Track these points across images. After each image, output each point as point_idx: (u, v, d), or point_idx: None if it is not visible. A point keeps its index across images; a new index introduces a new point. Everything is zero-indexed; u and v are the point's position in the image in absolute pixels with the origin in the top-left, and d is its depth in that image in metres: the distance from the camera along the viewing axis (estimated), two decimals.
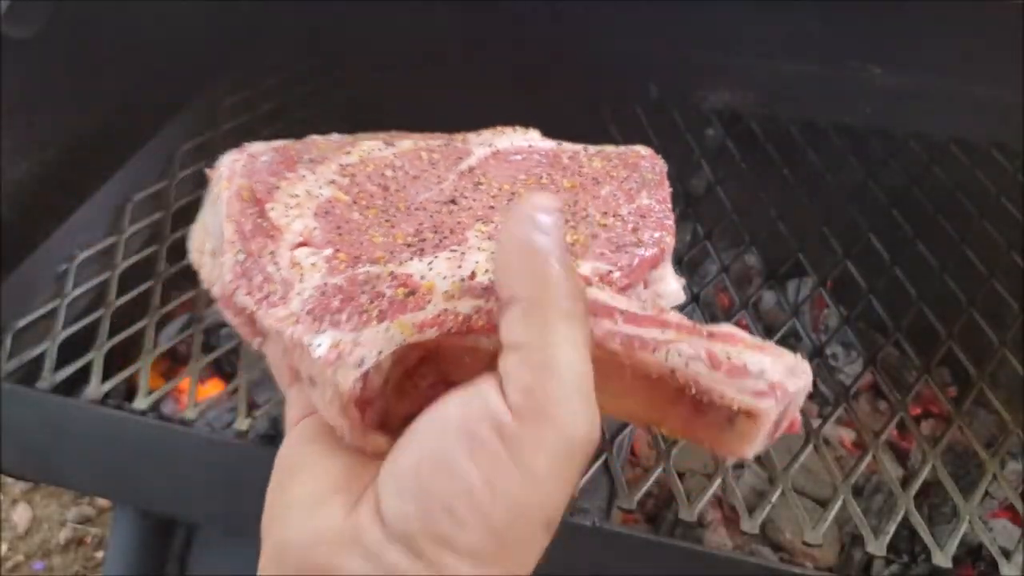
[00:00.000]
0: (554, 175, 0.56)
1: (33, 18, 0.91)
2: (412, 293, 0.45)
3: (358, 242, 0.50)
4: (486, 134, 0.62)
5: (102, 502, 1.40)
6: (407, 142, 0.62)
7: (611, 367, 0.41)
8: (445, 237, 0.50)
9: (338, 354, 0.42)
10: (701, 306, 0.86)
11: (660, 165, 0.55)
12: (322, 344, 0.42)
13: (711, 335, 0.43)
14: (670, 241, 0.48)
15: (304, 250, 0.49)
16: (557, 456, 0.29)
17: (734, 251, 0.97)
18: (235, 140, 1.02)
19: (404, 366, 0.44)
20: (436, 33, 1.13)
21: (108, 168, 1.00)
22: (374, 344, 0.42)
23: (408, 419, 0.40)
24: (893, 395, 0.77)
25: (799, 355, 0.43)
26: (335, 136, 0.64)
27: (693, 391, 0.41)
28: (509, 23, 1.05)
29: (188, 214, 0.97)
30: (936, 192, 0.98)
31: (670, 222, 0.49)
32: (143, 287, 0.87)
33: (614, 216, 0.50)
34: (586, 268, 0.45)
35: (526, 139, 0.61)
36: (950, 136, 1.04)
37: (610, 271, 0.45)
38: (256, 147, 0.61)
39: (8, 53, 0.89)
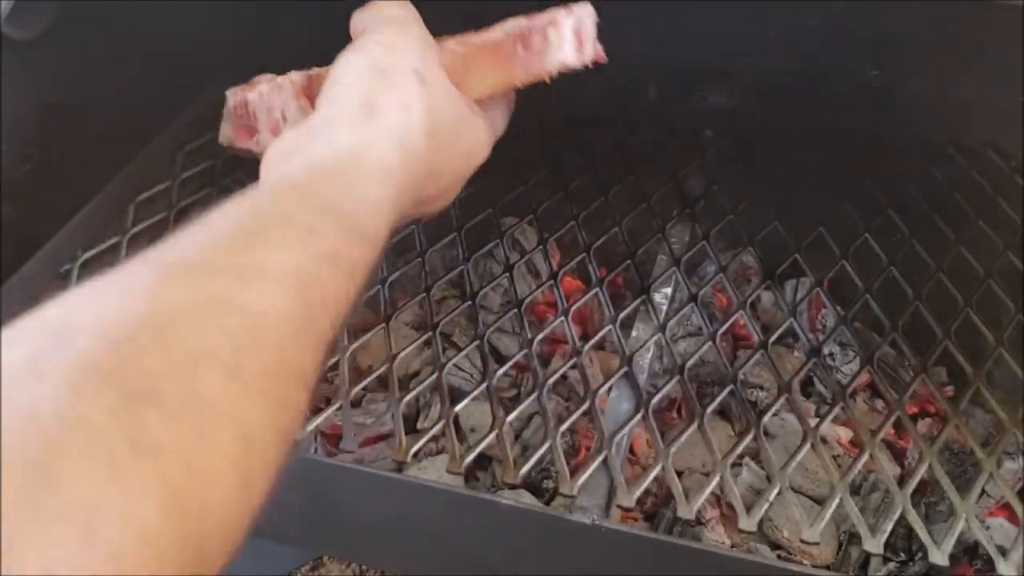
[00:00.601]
0: None
1: (36, 20, 0.92)
2: None
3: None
4: None
5: None
6: None
7: (475, 58, 0.64)
8: None
9: (291, 74, 0.67)
10: (699, 306, 0.86)
11: None
12: (285, 78, 0.67)
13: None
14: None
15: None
16: (413, 41, 0.52)
17: (732, 251, 0.97)
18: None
19: None
20: (436, 33, 1.14)
21: (111, 168, 1.00)
22: (317, 70, 0.66)
23: None
24: (890, 394, 0.78)
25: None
26: None
27: (518, 38, 0.63)
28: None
29: (190, 214, 0.98)
30: (933, 193, 0.99)
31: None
32: None
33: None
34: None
35: None
36: (947, 137, 1.05)
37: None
38: None
39: (11, 53, 0.89)
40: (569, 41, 0.64)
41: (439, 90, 0.50)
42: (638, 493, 0.68)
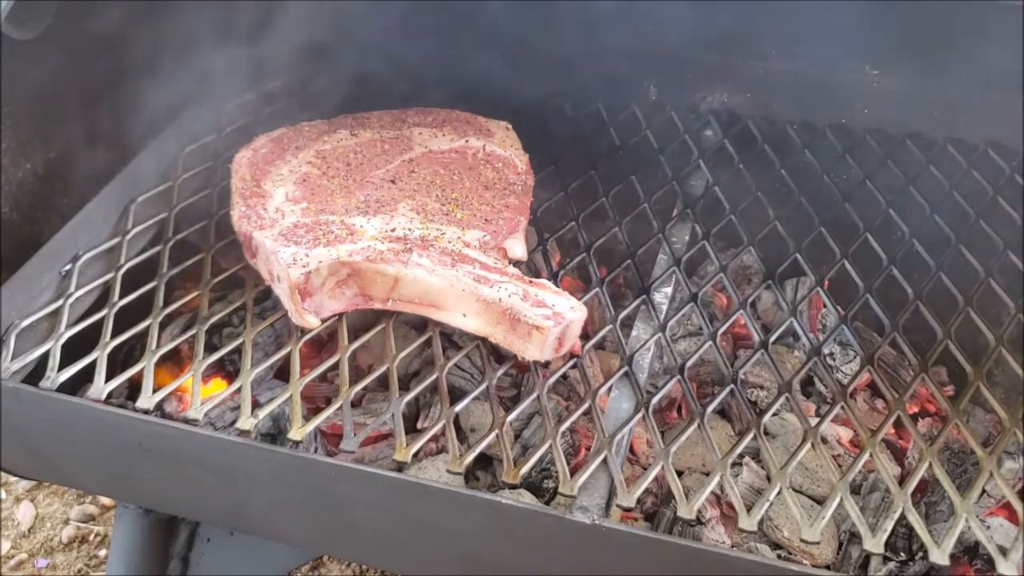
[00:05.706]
0: (461, 174, 0.90)
1: (36, 19, 0.92)
2: (351, 234, 0.78)
3: (323, 200, 0.83)
4: (427, 133, 0.97)
5: (105, 500, 1.41)
6: (368, 132, 0.97)
7: (467, 296, 0.72)
8: (383, 206, 0.84)
9: (293, 259, 0.74)
10: (699, 306, 0.86)
11: (529, 178, 0.92)
12: (286, 252, 0.75)
13: (530, 282, 0.75)
14: (523, 221, 0.84)
15: (286, 203, 0.82)
16: None
17: (732, 251, 0.97)
18: (237, 142, 1.04)
19: (337, 277, 0.77)
20: (436, 35, 1.14)
21: (111, 169, 1.00)
22: (318, 257, 0.74)
23: (336, 314, 0.79)
24: (890, 394, 0.78)
25: (580, 301, 0.76)
26: (317, 122, 1.01)
27: (510, 313, 0.70)
28: (509, 25, 1.05)
29: (190, 215, 0.98)
30: (933, 192, 0.99)
31: (525, 211, 0.86)
32: (146, 287, 0.88)
33: (490, 206, 0.85)
34: (470, 235, 0.80)
35: (451, 144, 0.94)
36: (947, 136, 1.05)
37: (483, 236, 0.81)
38: (259, 141, 0.95)
39: (11, 53, 0.89)
40: (549, 346, 0.71)
41: None
42: (638, 493, 0.68)
